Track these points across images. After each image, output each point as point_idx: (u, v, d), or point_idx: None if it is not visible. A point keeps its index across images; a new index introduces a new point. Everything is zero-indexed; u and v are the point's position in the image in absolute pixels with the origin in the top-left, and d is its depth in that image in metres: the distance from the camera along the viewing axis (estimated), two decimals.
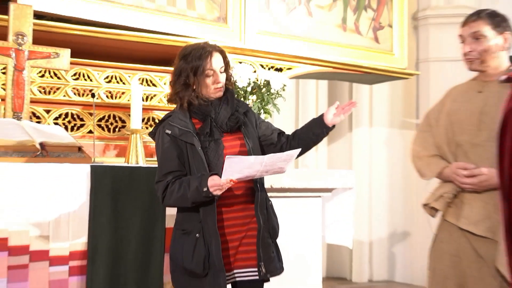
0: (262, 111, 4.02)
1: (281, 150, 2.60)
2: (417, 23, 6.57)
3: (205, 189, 2.35)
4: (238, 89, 3.85)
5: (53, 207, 2.75)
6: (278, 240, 2.66)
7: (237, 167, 2.32)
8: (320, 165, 7.20)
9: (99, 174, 2.85)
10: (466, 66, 2.59)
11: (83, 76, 3.66)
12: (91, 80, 3.68)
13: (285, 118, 7.30)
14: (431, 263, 2.62)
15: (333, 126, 2.64)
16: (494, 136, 2.35)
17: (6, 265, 2.62)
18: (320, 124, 2.66)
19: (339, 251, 7.42)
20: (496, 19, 2.52)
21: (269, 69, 4.27)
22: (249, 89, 3.93)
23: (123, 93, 3.75)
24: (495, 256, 2.33)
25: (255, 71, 4.02)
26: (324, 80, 7.21)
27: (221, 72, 2.54)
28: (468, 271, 2.42)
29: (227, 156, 2.29)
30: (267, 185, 2.89)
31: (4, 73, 3.22)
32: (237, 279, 2.52)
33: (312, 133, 2.67)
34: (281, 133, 2.76)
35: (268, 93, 4.00)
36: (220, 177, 2.34)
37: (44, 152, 2.85)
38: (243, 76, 3.84)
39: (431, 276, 2.61)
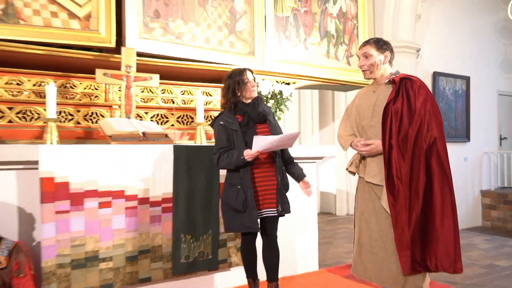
0: (277, 110, 4.00)
1: None
2: None
3: (242, 157, 2.35)
4: (263, 96, 3.82)
5: (151, 170, 2.76)
6: (289, 192, 2.63)
7: (261, 143, 2.31)
8: (315, 142, 7.13)
9: (179, 150, 2.85)
10: (363, 76, 2.47)
11: (167, 91, 3.64)
12: (172, 93, 3.66)
13: (291, 114, 7.26)
14: (355, 204, 2.51)
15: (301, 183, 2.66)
16: (381, 120, 2.27)
17: (124, 207, 2.66)
18: (296, 179, 2.67)
19: (328, 195, 7.36)
20: (379, 43, 2.41)
21: (281, 83, 4.20)
22: (269, 96, 3.93)
23: (191, 101, 3.73)
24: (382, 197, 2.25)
25: (273, 85, 3.99)
26: (316, 89, 7.11)
27: (253, 80, 2.54)
28: (374, 208, 2.32)
29: (254, 136, 2.31)
30: None
31: (119, 90, 3.22)
32: (264, 215, 2.50)
33: (292, 173, 2.68)
34: None
35: (281, 98, 3.99)
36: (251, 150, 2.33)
37: (145, 138, 2.85)
38: (265, 88, 3.85)
39: (355, 212, 2.49)
